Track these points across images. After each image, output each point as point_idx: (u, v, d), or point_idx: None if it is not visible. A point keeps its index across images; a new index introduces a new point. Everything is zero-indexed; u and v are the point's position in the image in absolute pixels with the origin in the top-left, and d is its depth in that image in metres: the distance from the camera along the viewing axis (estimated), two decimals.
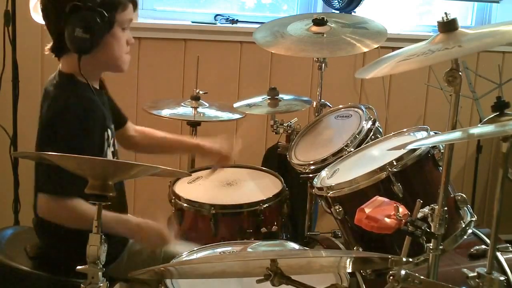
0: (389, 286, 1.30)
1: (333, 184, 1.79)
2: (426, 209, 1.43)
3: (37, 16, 2.50)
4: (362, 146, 2.05)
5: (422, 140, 1.73)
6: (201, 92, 2.53)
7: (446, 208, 1.42)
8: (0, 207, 2.79)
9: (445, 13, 1.41)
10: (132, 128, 2.12)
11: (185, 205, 2.05)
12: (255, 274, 1.23)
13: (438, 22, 1.42)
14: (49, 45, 1.80)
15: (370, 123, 2.14)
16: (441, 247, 1.43)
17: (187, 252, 1.72)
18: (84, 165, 1.32)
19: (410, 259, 1.54)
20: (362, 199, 1.54)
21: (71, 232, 1.64)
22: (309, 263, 1.31)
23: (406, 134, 1.95)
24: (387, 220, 1.41)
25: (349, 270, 1.53)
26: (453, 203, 1.68)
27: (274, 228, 1.95)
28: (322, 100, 2.49)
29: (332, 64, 2.53)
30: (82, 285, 1.29)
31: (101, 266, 1.29)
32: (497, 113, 1.62)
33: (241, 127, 2.22)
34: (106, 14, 1.70)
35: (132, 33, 1.85)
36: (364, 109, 2.22)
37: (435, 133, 1.78)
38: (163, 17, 3.13)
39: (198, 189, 2.17)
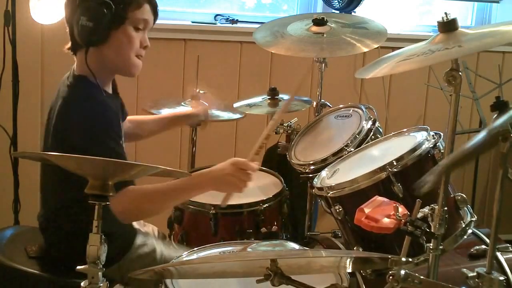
0: (389, 286, 1.30)
1: (333, 184, 1.79)
2: (426, 209, 1.43)
3: (37, 16, 2.50)
4: (362, 146, 2.05)
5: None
6: (201, 92, 2.53)
7: (446, 208, 1.42)
8: (0, 207, 2.79)
9: (445, 13, 1.41)
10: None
11: (185, 205, 2.05)
12: (255, 274, 1.23)
13: (438, 22, 1.42)
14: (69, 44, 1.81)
15: (370, 123, 2.14)
16: (441, 247, 1.43)
17: (187, 252, 1.72)
18: (84, 165, 1.32)
19: (410, 259, 1.54)
20: (362, 199, 1.54)
21: (76, 232, 1.63)
22: (309, 263, 1.31)
23: (406, 134, 1.95)
24: (387, 220, 1.41)
25: (349, 270, 1.53)
26: (453, 203, 1.68)
27: (274, 228, 1.95)
28: (322, 100, 2.49)
29: (332, 64, 2.53)
30: (82, 285, 1.29)
31: (101, 266, 1.29)
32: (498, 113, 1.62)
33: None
34: (113, 6, 1.69)
35: None
36: (364, 109, 2.23)
37: (435, 133, 1.78)
38: (163, 17, 3.09)
39: None
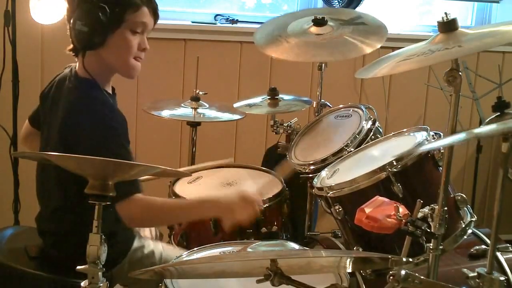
0: (389, 286, 1.30)
1: (333, 184, 1.79)
2: (426, 209, 1.43)
3: (37, 16, 2.50)
4: (362, 146, 2.04)
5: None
6: (201, 92, 2.53)
7: (446, 208, 1.41)
8: (0, 207, 2.79)
9: (445, 13, 1.41)
10: None
11: None
12: (255, 274, 1.23)
13: (438, 22, 1.42)
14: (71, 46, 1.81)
15: (370, 123, 2.14)
16: (441, 247, 1.43)
17: (187, 252, 1.72)
18: (84, 165, 1.32)
19: (410, 259, 1.54)
20: (362, 199, 1.54)
21: (74, 232, 1.63)
22: (309, 263, 1.30)
23: (406, 134, 1.95)
24: (387, 220, 1.41)
25: (349, 270, 1.53)
26: (453, 203, 1.68)
27: (274, 228, 1.95)
28: (322, 100, 2.49)
29: (332, 64, 2.53)
30: (82, 285, 1.29)
31: (101, 266, 1.29)
32: (498, 113, 1.63)
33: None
34: (108, 10, 1.68)
35: None
36: (364, 109, 2.22)
37: (435, 133, 1.78)
38: (163, 17, 3.07)
39: (198, 189, 2.17)
